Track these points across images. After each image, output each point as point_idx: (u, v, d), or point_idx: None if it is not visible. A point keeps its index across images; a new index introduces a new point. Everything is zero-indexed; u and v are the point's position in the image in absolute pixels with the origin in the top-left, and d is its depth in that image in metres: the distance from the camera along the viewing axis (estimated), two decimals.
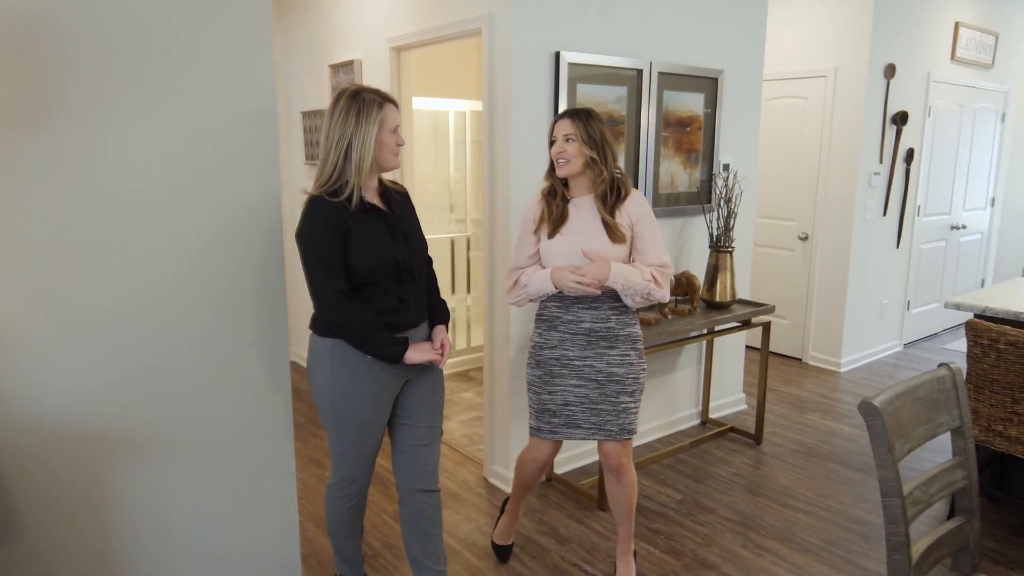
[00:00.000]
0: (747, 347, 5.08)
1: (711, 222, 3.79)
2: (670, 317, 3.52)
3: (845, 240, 5.15)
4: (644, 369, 2.49)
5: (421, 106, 4.73)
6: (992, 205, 6.78)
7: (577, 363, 2.44)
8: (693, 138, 3.82)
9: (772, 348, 5.60)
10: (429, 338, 2.27)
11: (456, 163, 5.11)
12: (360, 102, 2.01)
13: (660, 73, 3.55)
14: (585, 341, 2.43)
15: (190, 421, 2.05)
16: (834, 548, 2.89)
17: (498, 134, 3.20)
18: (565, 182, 2.47)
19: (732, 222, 3.70)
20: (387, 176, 2.29)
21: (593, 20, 3.28)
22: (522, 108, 3.12)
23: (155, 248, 1.93)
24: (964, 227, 6.36)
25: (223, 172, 2.02)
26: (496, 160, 3.23)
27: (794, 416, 4.35)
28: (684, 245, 3.91)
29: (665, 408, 4.01)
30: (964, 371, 3.00)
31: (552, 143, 2.42)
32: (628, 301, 2.38)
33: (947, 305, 3.17)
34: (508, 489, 3.35)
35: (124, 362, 1.92)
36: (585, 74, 3.28)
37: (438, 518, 2.32)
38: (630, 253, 2.42)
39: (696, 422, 4.17)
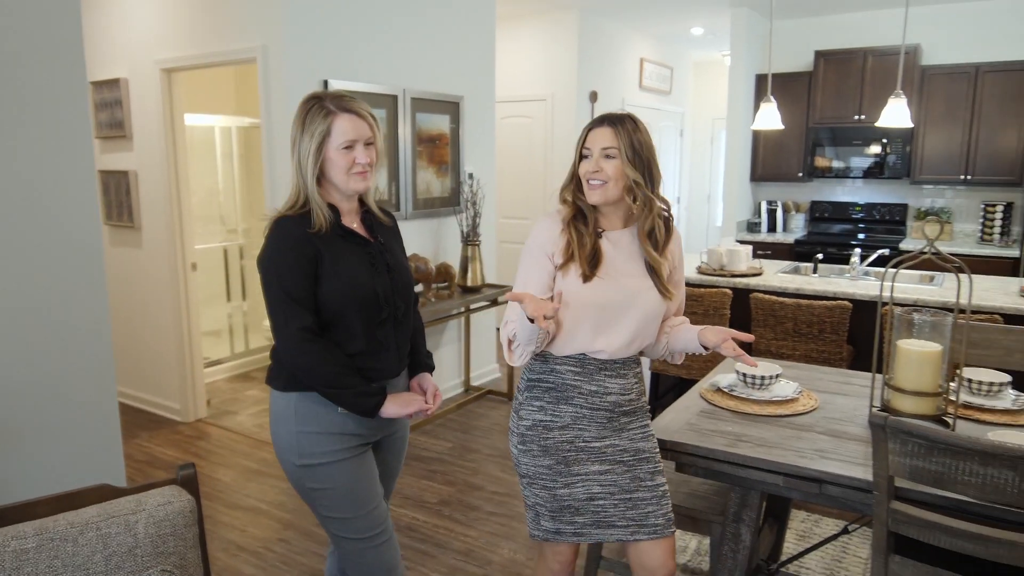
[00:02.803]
0: (498, 328, 6.00)
1: (461, 221, 4.57)
2: (433, 300, 4.24)
3: None
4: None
5: (189, 122, 4.98)
6: (678, 202, 8.48)
7: (596, 444, 1.86)
8: (443, 152, 4.58)
9: None
10: (408, 388, 2.00)
11: (224, 176, 5.40)
12: (307, 109, 1.76)
13: (413, 98, 4.26)
14: (607, 417, 1.86)
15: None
16: None
17: (277, 154, 3.68)
18: (587, 214, 1.85)
19: (478, 221, 4.53)
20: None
21: (356, 52, 3.89)
22: None
23: None
24: None
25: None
26: (276, 177, 3.70)
27: None
28: (441, 241, 4.66)
29: (436, 379, 4.72)
30: None
31: (584, 157, 1.82)
32: (661, 355, 1.99)
33: None
34: None
35: None
36: None
37: None
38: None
39: (461, 390, 4.96)
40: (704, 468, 2.03)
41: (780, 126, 4.35)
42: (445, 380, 4.82)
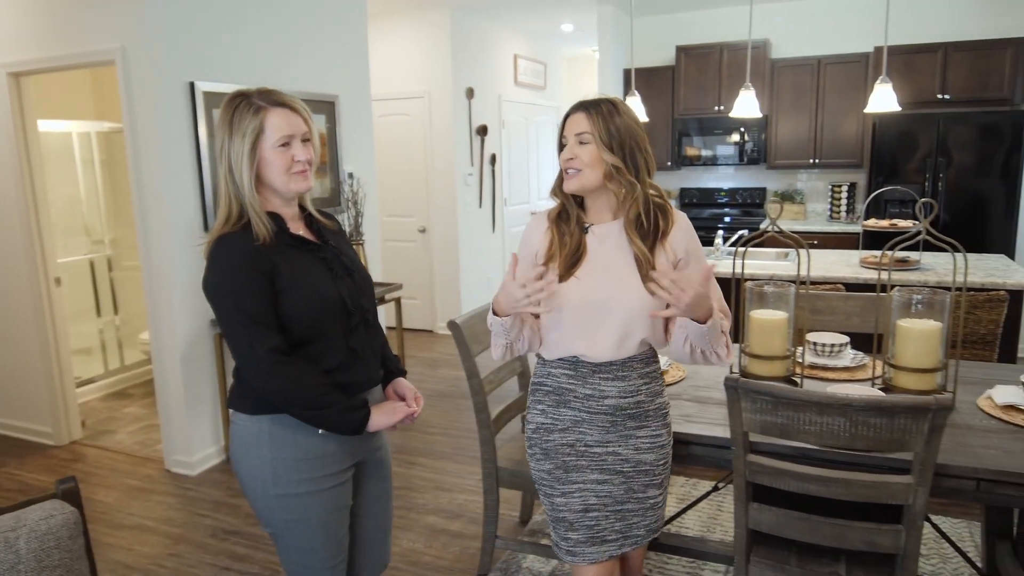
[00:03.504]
0: (387, 328, 6.00)
1: (343, 221, 4.56)
2: None
3: (453, 230, 6.36)
4: (671, 445, 1.87)
5: (43, 128, 4.68)
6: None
7: (597, 450, 1.76)
8: (321, 151, 4.54)
9: (407, 325, 6.60)
10: (385, 398, 1.87)
11: (87, 184, 5.12)
12: (233, 108, 1.59)
13: None
14: (609, 422, 1.76)
15: None
16: (462, 452, 3.89)
17: (143, 158, 3.55)
18: (581, 202, 1.77)
19: (360, 220, 4.53)
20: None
21: (223, 53, 3.80)
22: (162, 133, 3.52)
23: None
24: (536, 212, 8.12)
25: None
26: (143, 183, 3.57)
27: (429, 372, 5.38)
28: None
29: None
30: None
31: (562, 147, 1.74)
32: (692, 357, 1.71)
33: None
34: (191, 472, 3.74)
35: None
36: (219, 101, 3.78)
37: None
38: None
39: None
40: None
41: (645, 119, 4.58)
42: None
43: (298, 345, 1.62)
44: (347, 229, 4.50)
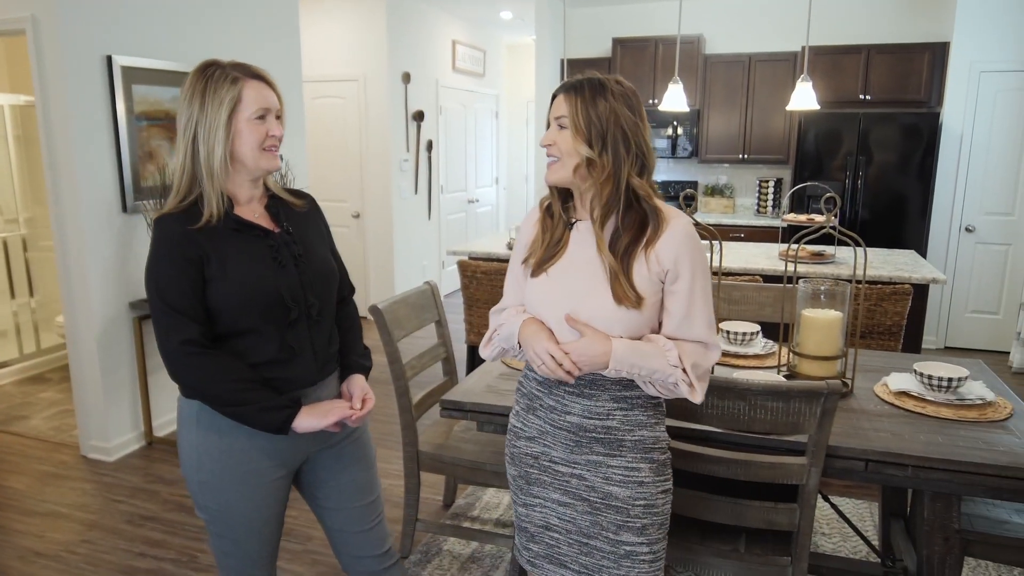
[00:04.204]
0: None
1: (158, 210, 4.47)
2: None
3: (388, 216, 6.31)
4: (667, 494, 1.58)
5: None
6: (497, 183, 8.75)
7: (562, 469, 1.59)
8: None
9: None
10: (338, 395, 1.75)
11: (0, 161, 4.90)
12: (207, 76, 1.52)
13: None
14: (573, 441, 1.57)
15: None
16: (387, 437, 3.89)
17: (56, 135, 3.41)
18: (569, 195, 1.60)
19: None
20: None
21: (145, 26, 3.68)
22: (77, 109, 3.39)
23: None
24: (477, 200, 8.13)
25: None
26: (56, 160, 3.43)
27: None
28: None
29: None
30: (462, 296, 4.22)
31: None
32: (650, 389, 1.51)
33: (448, 252, 4.40)
34: (108, 458, 3.64)
35: None
36: (140, 76, 3.66)
37: None
38: (658, 319, 1.53)
39: None
40: (503, 424, 2.20)
41: None
42: None
43: (225, 337, 1.55)
44: None
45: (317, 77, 6.21)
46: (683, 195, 1.53)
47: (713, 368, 1.46)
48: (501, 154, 8.82)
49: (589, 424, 1.54)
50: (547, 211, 1.61)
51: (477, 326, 4.17)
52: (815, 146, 5.72)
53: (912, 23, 5.93)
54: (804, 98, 4.03)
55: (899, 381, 2.29)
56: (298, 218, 1.70)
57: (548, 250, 1.57)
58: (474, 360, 4.53)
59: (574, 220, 1.58)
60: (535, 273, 1.57)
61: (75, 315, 3.59)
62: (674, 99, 4.27)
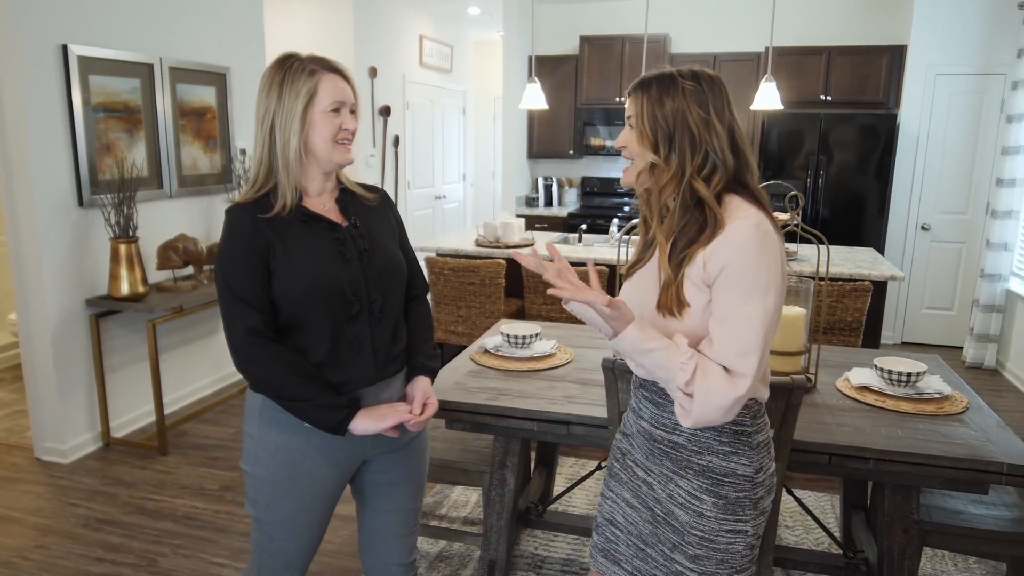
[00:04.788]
0: None
1: (234, 199, 4.39)
2: (206, 283, 4.05)
3: None
4: (735, 534, 1.44)
5: None
6: (464, 179, 8.72)
7: (639, 472, 1.54)
8: (210, 126, 4.35)
9: None
10: (403, 397, 1.71)
11: None
12: (285, 68, 1.54)
13: (171, 68, 4.00)
14: (648, 448, 1.52)
15: None
16: None
17: (9, 126, 3.29)
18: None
19: None
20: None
21: (102, 14, 3.57)
22: (31, 99, 3.28)
23: None
24: (445, 197, 8.10)
25: None
26: (8, 152, 3.31)
27: None
28: (213, 220, 4.45)
29: (213, 364, 4.54)
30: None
31: None
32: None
33: (415, 249, 4.36)
34: (64, 460, 3.54)
35: None
36: (97, 67, 3.56)
37: None
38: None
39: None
40: (470, 422, 2.20)
41: (545, 106, 4.65)
42: (225, 365, 4.64)
43: (285, 330, 1.55)
44: None
45: None
46: (790, 195, 1.45)
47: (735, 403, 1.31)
48: (468, 150, 8.80)
49: (657, 434, 1.49)
50: (643, 215, 1.55)
51: (445, 323, 4.16)
52: (778, 145, 5.81)
53: (871, 26, 6.06)
54: (768, 98, 4.09)
55: (860, 376, 2.33)
56: (368, 212, 1.69)
57: (638, 254, 1.54)
58: (443, 357, 4.51)
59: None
60: (626, 276, 1.55)
61: (28, 312, 3.48)
62: None
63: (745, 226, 1.32)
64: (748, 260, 1.31)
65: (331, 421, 1.51)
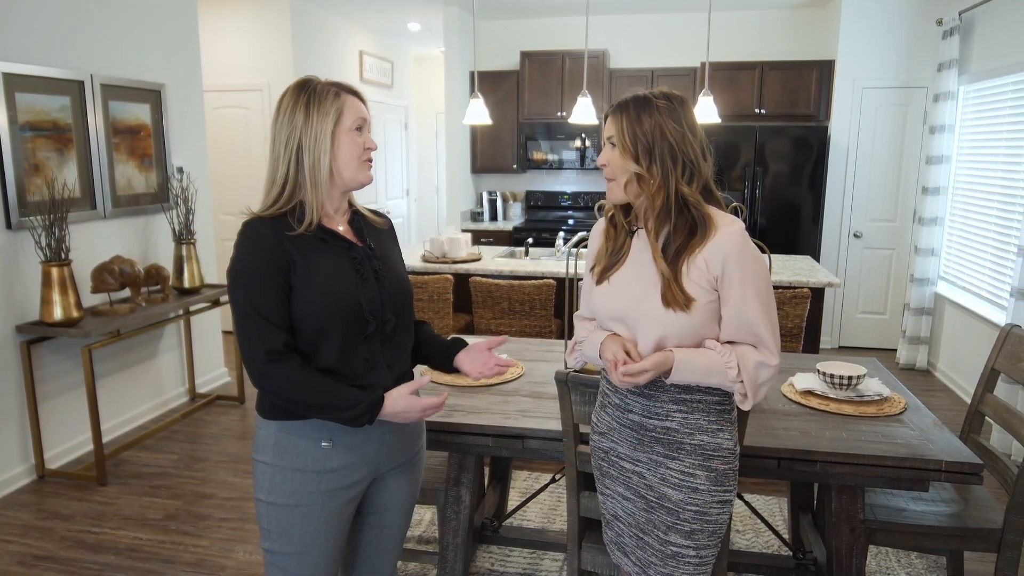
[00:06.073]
0: (224, 332, 5.70)
1: (172, 219, 4.28)
2: (144, 305, 3.92)
3: None
4: (724, 504, 1.61)
5: None
6: (408, 194, 8.68)
7: (627, 465, 1.67)
8: (145, 144, 4.23)
9: None
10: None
11: None
12: (310, 89, 1.57)
13: (103, 84, 3.88)
14: (635, 439, 1.64)
15: None
16: None
17: None
18: (630, 205, 1.64)
19: (192, 218, 4.26)
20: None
21: (28, 30, 3.44)
22: None
23: None
24: (389, 212, 8.03)
25: None
26: None
27: None
28: (150, 241, 4.31)
29: (153, 390, 4.38)
30: None
31: None
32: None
33: None
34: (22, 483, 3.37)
35: None
36: (24, 84, 3.43)
37: None
38: (718, 321, 1.56)
39: (186, 399, 4.64)
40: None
41: (488, 121, 4.66)
42: (166, 390, 4.49)
43: (306, 346, 1.56)
44: (176, 228, 4.23)
45: (219, 87, 5.99)
46: (731, 206, 1.59)
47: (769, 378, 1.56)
48: (411, 166, 8.76)
49: (649, 424, 1.61)
50: (611, 221, 1.68)
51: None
52: (716, 158, 5.94)
53: (801, 41, 6.29)
54: (706, 112, 4.19)
55: (804, 381, 2.40)
56: (379, 235, 1.73)
57: (611, 258, 1.65)
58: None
59: (636, 228, 1.64)
60: (599, 281, 1.65)
61: None
62: (583, 111, 4.35)
63: (734, 230, 1.54)
64: (745, 257, 1.52)
65: (358, 411, 1.52)
